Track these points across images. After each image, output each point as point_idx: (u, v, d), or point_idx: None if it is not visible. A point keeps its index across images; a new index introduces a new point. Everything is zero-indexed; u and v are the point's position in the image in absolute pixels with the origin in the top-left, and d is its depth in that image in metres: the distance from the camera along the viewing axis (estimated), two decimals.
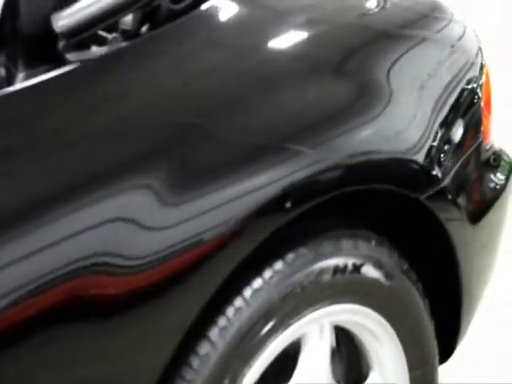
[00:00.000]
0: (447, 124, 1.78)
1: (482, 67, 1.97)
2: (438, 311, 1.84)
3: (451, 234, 1.75)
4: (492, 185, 1.99)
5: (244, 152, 1.46)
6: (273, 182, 1.45)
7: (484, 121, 1.95)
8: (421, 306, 1.77)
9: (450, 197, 1.75)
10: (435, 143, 1.72)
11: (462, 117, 1.85)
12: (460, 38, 1.97)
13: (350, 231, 1.65)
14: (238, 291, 1.51)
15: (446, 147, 1.76)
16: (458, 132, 1.81)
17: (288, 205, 1.46)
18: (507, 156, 2.16)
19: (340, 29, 1.80)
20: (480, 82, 1.93)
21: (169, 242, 1.35)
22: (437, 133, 1.73)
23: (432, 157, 1.70)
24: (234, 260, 1.41)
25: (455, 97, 1.83)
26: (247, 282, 1.52)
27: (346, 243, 1.63)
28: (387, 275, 1.68)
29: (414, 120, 1.69)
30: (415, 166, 1.68)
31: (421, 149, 1.67)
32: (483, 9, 5.45)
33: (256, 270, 1.53)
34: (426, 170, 1.69)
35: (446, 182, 1.73)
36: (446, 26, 1.95)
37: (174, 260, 1.36)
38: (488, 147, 2.00)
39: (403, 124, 1.68)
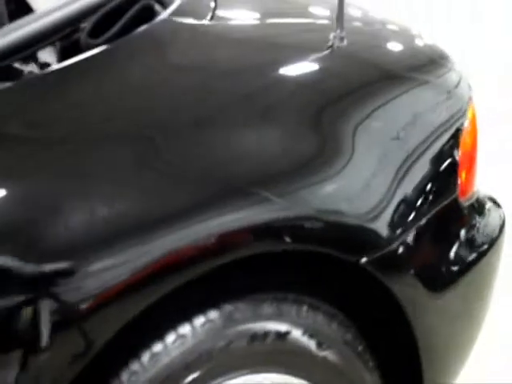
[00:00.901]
0: (407, 183, 1.59)
1: (460, 119, 1.77)
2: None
3: (404, 304, 1.57)
4: (469, 248, 1.77)
5: None
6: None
7: (463, 174, 1.75)
8: (366, 380, 1.58)
9: (399, 262, 1.56)
10: (385, 204, 1.54)
11: (430, 174, 1.65)
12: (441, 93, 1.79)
13: (274, 295, 1.49)
14: (136, 354, 1.39)
15: (401, 208, 1.57)
16: (419, 191, 1.62)
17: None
18: (500, 214, 1.95)
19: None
20: (457, 136, 1.73)
21: None
22: (392, 193, 1.55)
23: (377, 219, 1.52)
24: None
25: (423, 154, 1.64)
26: (146, 345, 1.39)
27: (269, 308, 1.48)
28: (320, 344, 1.50)
29: (367, 181, 1.53)
30: (353, 229, 1.50)
31: (364, 211, 1.51)
32: None
33: (157, 333, 1.39)
34: (367, 232, 1.51)
35: (395, 245, 1.54)
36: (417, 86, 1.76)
37: None
38: (468, 203, 1.80)
39: (353, 185, 1.51)
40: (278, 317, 1.48)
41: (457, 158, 1.71)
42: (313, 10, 1.93)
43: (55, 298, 1.25)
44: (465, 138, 1.75)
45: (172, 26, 1.61)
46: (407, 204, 1.57)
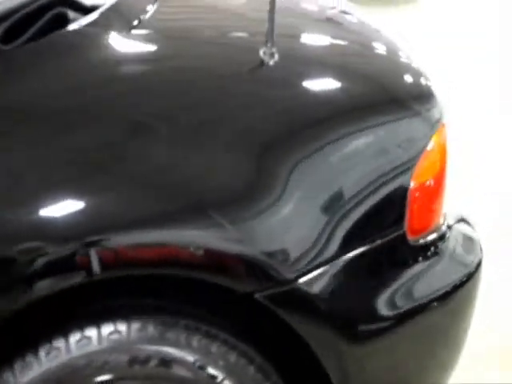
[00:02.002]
0: (329, 222, 1.49)
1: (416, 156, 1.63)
2: None
3: (314, 348, 1.49)
4: (408, 297, 1.61)
5: None
6: None
7: (416, 211, 1.62)
8: None
9: (303, 302, 1.47)
10: (293, 241, 1.46)
11: (361, 211, 1.53)
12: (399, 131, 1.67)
13: (163, 318, 1.45)
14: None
15: (314, 246, 1.47)
16: (343, 230, 1.51)
17: None
18: (472, 260, 1.78)
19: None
20: (407, 170, 1.60)
21: None
22: (305, 231, 1.47)
23: (279, 254, 1.44)
24: None
25: (357, 191, 1.53)
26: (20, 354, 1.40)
27: (154, 331, 1.44)
28: (213, 376, 1.46)
29: (278, 216, 1.45)
30: (249, 262, 1.43)
31: (265, 246, 1.43)
32: None
33: (32, 344, 1.40)
34: (263, 267, 1.43)
35: (300, 284, 1.45)
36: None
37: None
38: (424, 241, 1.66)
39: (258, 220, 1.44)
40: (164, 342, 1.43)
41: (407, 192, 1.58)
42: (248, 22, 1.85)
43: None
44: (421, 171, 1.61)
45: (77, 37, 1.57)
46: (323, 242, 1.47)
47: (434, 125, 1.68)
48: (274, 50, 1.56)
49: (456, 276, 1.69)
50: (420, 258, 1.64)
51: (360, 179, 1.53)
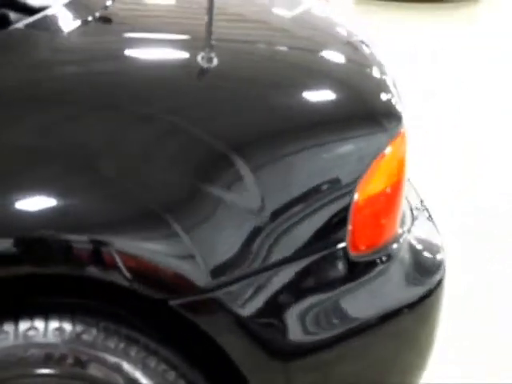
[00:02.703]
0: (255, 235, 1.43)
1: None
2: None
3: (235, 360, 1.45)
4: (343, 317, 1.54)
5: None
6: None
7: (361, 226, 1.54)
8: None
9: (220, 312, 1.42)
10: (212, 251, 1.40)
11: (291, 225, 1.46)
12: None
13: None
14: None
15: (237, 257, 1.42)
16: (269, 242, 1.44)
17: None
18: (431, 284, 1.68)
19: None
20: (350, 184, 1.51)
21: None
22: (228, 244, 1.42)
23: (196, 263, 1.39)
24: None
25: (290, 204, 1.46)
26: None
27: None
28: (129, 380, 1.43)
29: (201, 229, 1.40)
30: (163, 270, 1.39)
31: (182, 255, 1.39)
32: None
33: None
34: (178, 276, 1.39)
35: (217, 294, 1.40)
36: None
37: None
38: (365, 259, 1.57)
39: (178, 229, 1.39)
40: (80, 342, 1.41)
41: (349, 205, 1.50)
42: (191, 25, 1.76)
43: None
44: (369, 185, 1.53)
45: (14, 38, 1.54)
46: (249, 254, 1.42)
47: (388, 135, 1.58)
48: (212, 54, 1.52)
49: (403, 298, 1.61)
50: (362, 276, 1.56)
51: (293, 192, 1.46)
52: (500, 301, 2.84)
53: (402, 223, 1.69)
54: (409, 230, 1.70)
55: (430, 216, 1.87)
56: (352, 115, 1.59)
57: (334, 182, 1.50)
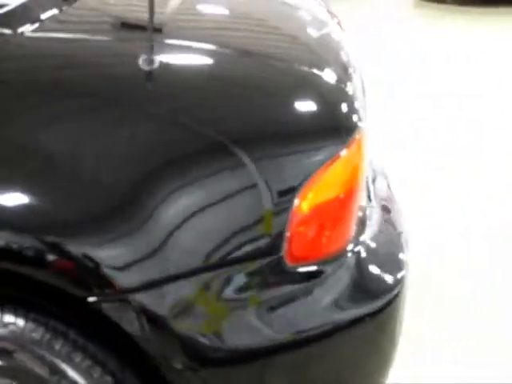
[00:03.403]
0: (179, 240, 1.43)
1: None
2: None
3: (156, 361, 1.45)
4: (275, 329, 1.49)
5: None
6: None
7: (302, 235, 1.49)
8: None
9: (139, 313, 1.42)
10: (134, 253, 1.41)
11: (221, 231, 1.44)
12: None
13: None
14: None
15: (153, 261, 1.41)
16: (197, 247, 1.43)
17: None
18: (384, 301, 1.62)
19: None
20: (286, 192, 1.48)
21: None
22: (149, 247, 1.41)
23: (117, 265, 1.41)
24: None
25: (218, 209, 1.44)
26: None
27: None
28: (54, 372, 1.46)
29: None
30: (83, 267, 1.41)
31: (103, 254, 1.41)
32: None
33: None
34: (96, 273, 1.40)
35: (136, 296, 1.41)
36: None
37: None
38: (304, 270, 1.51)
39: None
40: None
41: (287, 213, 1.46)
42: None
43: None
44: (313, 193, 1.48)
45: None
46: (168, 260, 1.41)
47: (337, 144, 1.52)
48: (153, 57, 1.52)
49: (344, 315, 1.56)
50: (299, 287, 1.51)
51: (220, 198, 1.44)
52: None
53: (358, 233, 1.62)
54: (363, 242, 1.63)
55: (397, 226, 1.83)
56: (296, 123, 1.54)
57: (270, 190, 1.45)
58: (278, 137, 1.51)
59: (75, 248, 1.39)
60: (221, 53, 1.66)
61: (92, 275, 1.40)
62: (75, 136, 1.43)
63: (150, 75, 1.54)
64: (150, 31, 1.55)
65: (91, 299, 1.40)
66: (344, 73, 1.70)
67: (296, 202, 1.46)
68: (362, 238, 1.63)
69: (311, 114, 1.56)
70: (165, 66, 1.57)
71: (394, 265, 1.68)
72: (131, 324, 1.41)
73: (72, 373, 1.45)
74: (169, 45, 1.66)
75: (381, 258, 1.66)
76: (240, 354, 1.48)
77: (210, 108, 1.49)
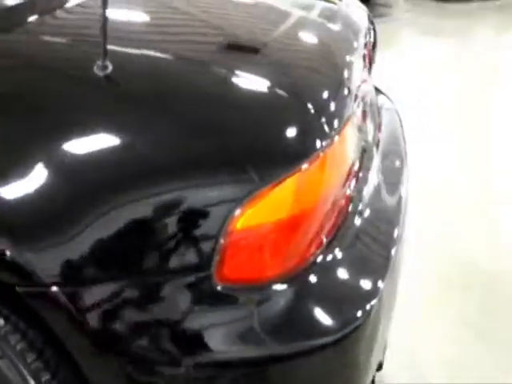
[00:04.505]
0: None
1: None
2: None
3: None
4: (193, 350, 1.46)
5: None
6: None
7: (236, 255, 1.44)
8: None
9: (56, 307, 1.43)
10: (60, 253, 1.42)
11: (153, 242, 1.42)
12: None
13: None
14: None
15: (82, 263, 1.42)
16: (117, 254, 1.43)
17: None
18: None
19: None
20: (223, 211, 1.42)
21: None
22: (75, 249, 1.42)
23: (41, 259, 1.42)
24: None
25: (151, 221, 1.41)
26: None
27: None
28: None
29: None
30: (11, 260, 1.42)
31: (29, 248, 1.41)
32: None
33: None
34: (22, 266, 1.42)
35: (54, 290, 1.42)
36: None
37: None
38: (236, 291, 1.46)
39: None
40: None
41: (220, 231, 1.41)
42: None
43: None
44: (254, 212, 1.42)
45: None
46: (94, 263, 1.42)
47: (283, 165, 1.44)
48: (107, 63, 1.47)
49: (275, 349, 1.47)
50: (228, 312, 1.46)
51: (150, 212, 1.40)
52: None
53: (313, 256, 1.52)
54: (324, 265, 1.53)
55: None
56: (234, 144, 1.44)
57: (203, 208, 1.41)
58: (214, 154, 1.42)
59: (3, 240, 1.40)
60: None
61: (18, 266, 1.40)
62: None
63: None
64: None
65: (19, 289, 1.42)
66: (305, 89, 1.57)
67: (229, 221, 1.40)
68: (323, 259, 1.53)
69: (251, 136, 1.45)
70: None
71: (360, 297, 1.55)
72: (51, 317, 1.43)
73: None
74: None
75: (342, 288, 1.54)
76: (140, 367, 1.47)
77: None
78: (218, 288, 1.43)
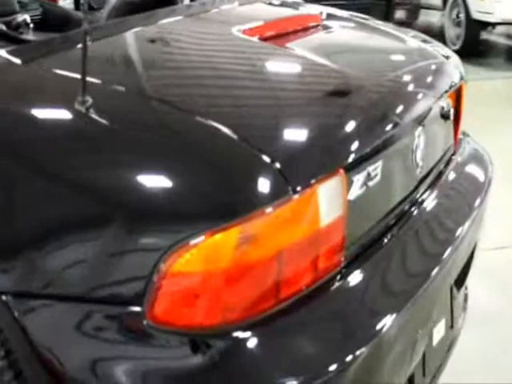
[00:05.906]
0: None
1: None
2: None
3: None
4: None
5: None
6: None
7: (169, 297, 1.44)
8: None
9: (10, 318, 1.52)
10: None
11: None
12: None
13: None
14: None
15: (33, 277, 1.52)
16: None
17: None
18: None
19: None
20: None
21: None
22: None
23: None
24: None
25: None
26: None
27: None
28: None
29: None
30: None
31: None
32: None
33: None
34: None
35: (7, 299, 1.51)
36: None
37: None
38: (173, 336, 1.45)
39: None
40: None
41: (153, 270, 1.42)
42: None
43: None
44: (189, 259, 1.41)
45: None
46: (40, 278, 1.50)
47: (226, 214, 1.43)
48: (87, 98, 1.52)
49: None
50: (150, 349, 1.44)
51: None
52: None
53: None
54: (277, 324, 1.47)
55: None
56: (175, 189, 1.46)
57: (139, 244, 1.44)
58: (153, 198, 1.45)
59: None
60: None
61: None
62: None
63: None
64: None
65: None
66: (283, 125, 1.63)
67: (162, 262, 1.41)
68: (275, 319, 1.48)
69: (193, 183, 1.46)
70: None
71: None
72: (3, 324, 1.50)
73: None
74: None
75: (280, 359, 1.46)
76: None
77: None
78: (145, 325, 1.43)
